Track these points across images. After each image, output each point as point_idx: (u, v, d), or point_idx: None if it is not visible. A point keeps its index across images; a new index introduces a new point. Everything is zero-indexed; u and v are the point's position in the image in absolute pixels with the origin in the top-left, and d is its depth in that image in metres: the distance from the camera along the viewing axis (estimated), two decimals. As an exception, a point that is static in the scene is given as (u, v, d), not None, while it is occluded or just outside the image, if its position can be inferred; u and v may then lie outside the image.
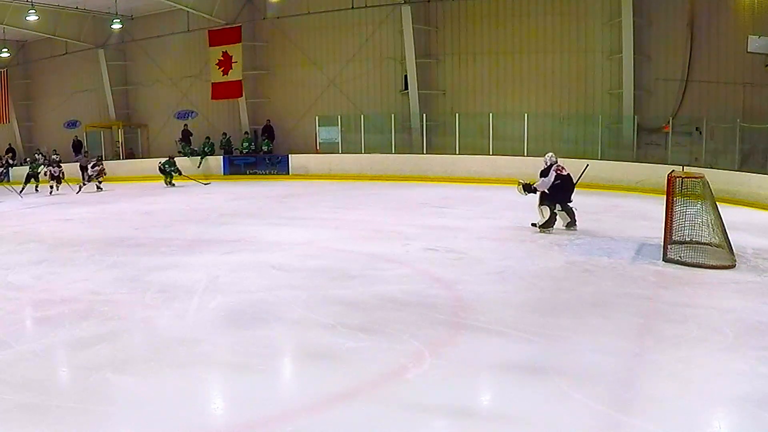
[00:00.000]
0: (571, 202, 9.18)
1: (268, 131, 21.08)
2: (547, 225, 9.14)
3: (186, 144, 21.79)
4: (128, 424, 3.63)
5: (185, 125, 22.32)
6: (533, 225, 9.28)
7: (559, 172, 9.07)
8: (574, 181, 9.29)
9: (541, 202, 9.19)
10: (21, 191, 17.08)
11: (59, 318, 5.52)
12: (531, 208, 9.68)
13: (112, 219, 12.02)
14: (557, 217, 9.15)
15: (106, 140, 24.02)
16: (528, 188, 9.32)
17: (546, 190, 9.07)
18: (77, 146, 23.92)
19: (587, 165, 9.94)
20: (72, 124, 25.20)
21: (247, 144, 21.19)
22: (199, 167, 20.58)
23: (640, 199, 12.48)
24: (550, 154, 9.40)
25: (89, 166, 18.52)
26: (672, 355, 4.45)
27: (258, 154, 20.89)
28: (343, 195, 14.79)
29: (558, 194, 9.07)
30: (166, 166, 18.68)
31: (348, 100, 20.04)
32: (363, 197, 14.18)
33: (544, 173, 9.10)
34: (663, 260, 7.26)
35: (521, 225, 9.59)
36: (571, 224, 9.17)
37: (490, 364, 4.41)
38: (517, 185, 9.56)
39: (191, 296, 6.09)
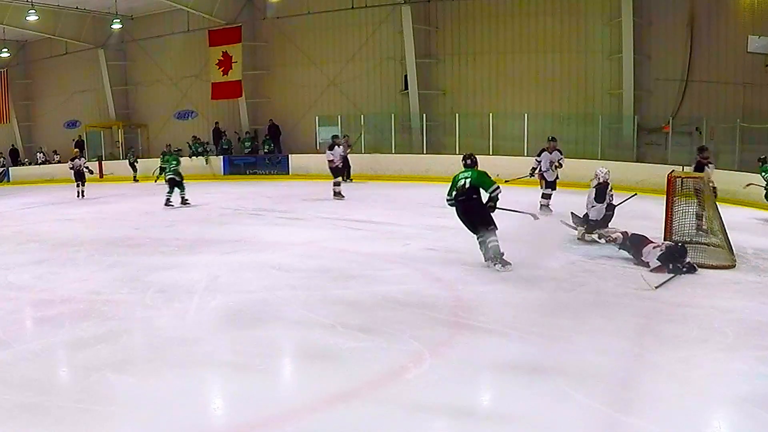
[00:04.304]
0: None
1: (273, 131, 21.02)
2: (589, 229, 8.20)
3: (217, 142, 21.68)
4: (128, 424, 3.62)
5: (216, 123, 21.96)
6: (579, 239, 8.35)
7: (610, 201, 8.30)
8: (617, 204, 8.51)
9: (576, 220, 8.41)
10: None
11: (59, 318, 5.51)
12: (530, 208, 9.68)
13: (112, 219, 12.01)
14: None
15: (106, 140, 24.05)
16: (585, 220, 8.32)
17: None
18: (80, 146, 23.93)
19: (635, 194, 8.93)
20: (72, 124, 25.22)
21: (246, 144, 21.18)
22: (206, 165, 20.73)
23: (640, 199, 12.46)
24: (605, 170, 8.36)
25: None
26: (672, 355, 4.45)
27: (258, 154, 20.89)
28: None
29: (600, 224, 8.22)
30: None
31: (348, 100, 20.04)
32: (363, 197, 14.16)
33: (599, 196, 8.15)
34: (663, 260, 7.24)
35: (521, 225, 9.56)
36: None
37: (490, 364, 4.41)
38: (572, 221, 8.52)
39: (191, 296, 6.08)
